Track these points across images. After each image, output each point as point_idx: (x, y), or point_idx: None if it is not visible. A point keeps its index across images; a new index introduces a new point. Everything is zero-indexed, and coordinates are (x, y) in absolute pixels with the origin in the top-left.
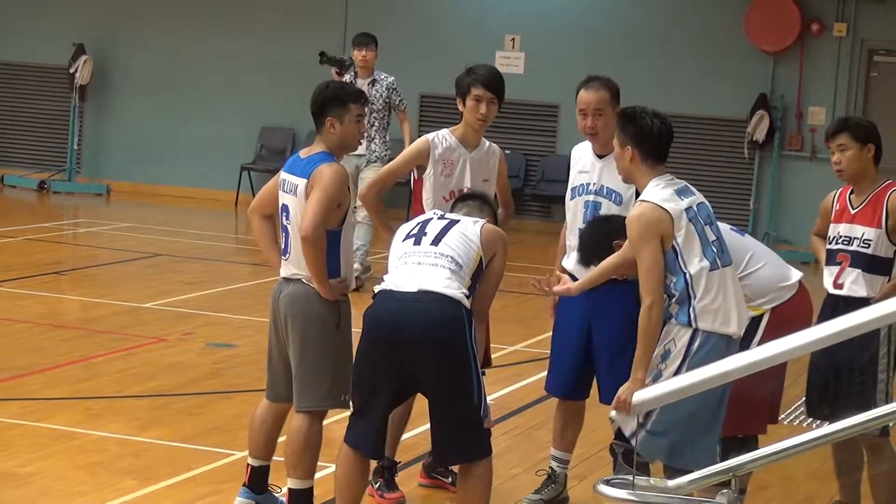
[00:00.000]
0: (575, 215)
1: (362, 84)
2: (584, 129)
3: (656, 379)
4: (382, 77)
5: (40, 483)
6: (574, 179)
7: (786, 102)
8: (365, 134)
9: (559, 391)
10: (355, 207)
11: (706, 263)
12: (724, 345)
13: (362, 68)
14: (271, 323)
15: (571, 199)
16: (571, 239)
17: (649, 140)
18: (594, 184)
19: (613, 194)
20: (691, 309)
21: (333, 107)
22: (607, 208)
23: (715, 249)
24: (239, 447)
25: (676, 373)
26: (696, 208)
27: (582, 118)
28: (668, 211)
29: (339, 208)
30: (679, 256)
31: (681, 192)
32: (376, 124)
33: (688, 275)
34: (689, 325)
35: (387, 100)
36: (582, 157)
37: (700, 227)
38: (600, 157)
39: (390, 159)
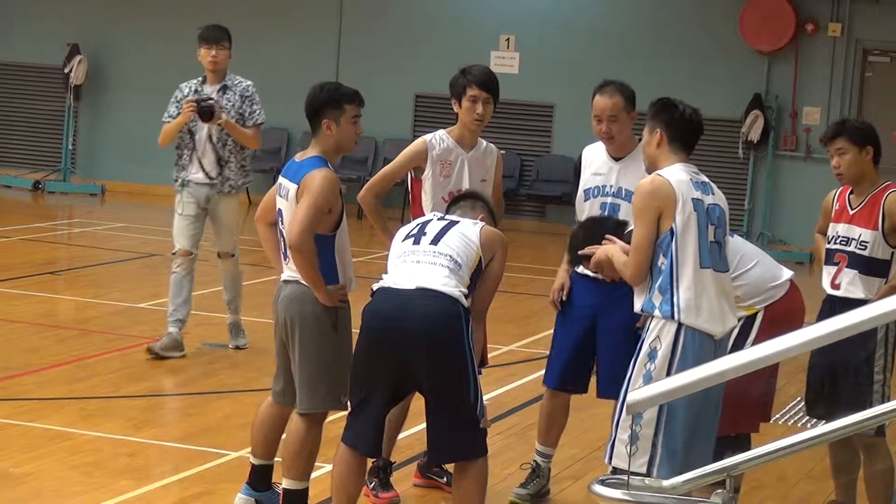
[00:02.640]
0: None
1: (211, 91)
2: (599, 134)
3: (647, 381)
4: (237, 82)
5: (35, 483)
6: (587, 181)
7: (780, 102)
8: (216, 157)
9: (555, 382)
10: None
11: (698, 257)
12: (710, 349)
13: (211, 72)
14: (274, 326)
15: (586, 201)
16: None
17: (679, 125)
18: (611, 186)
19: (631, 196)
20: (675, 300)
21: (329, 109)
22: (625, 210)
23: (711, 250)
24: (234, 447)
25: (666, 375)
26: (707, 205)
27: (597, 123)
28: (674, 189)
29: (331, 213)
30: (674, 239)
31: (697, 184)
32: (229, 143)
33: (675, 260)
34: (672, 317)
35: (241, 110)
36: (595, 159)
37: (703, 222)
38: (617, 159)
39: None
